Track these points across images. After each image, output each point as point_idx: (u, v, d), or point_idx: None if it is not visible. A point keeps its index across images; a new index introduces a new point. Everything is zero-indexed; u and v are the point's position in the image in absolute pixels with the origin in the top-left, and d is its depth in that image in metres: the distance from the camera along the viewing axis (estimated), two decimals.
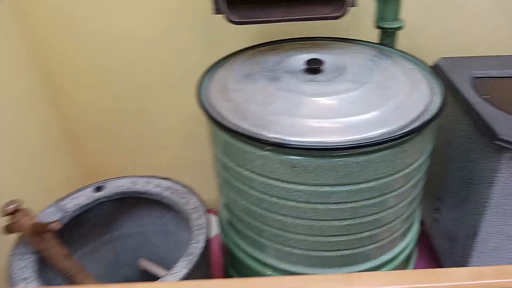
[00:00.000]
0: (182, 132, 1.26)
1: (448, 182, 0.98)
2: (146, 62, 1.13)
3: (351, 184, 0.64)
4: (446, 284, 0.54)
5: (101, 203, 0.98)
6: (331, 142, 0.62)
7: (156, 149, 1.30)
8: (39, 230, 0.78)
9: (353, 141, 0.61)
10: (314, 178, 0.64)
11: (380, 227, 0.72)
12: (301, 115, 0.66)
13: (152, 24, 1.08)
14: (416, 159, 0.70)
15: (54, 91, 1.18)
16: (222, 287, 0.55)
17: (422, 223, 1.15)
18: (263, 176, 0.67)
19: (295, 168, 0.64)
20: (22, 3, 1.02)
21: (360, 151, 0.62)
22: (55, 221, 0.77)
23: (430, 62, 0.98)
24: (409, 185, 0.71)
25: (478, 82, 0.89)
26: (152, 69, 1.15)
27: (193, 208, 0.91)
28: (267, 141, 0.63)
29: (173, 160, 1.31)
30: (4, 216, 0.77)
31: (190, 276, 0.76)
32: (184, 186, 0.97)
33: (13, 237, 0.83)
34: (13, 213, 0.78)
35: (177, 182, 0.98)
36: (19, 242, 0.84)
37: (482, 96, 0.84)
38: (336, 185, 0.64)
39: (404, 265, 0.86)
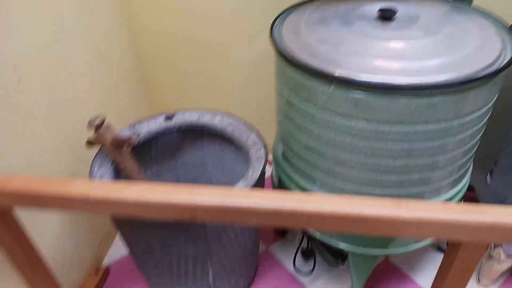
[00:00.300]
0: (248, 73, 1.33)
1: (506, 145, 0.97)
2: (219, 4, 1.20)
3: (410, 123, 0.68)
4: (493, 218, 0.57)
5: (170, 131, 1.08)
6: (396, 82, 0.65)
7: (222, 87, 1.38)
8: (119, 143, 0.89)
9: (418, 83, 0.64)
10: (375, 115, 0.68)
11: (431, 170, 0.75)
12: (370, 55, 0.69)
13: None
14: (477, 108, 0.72)
15: (133, 30, 1.28)
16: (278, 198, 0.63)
17: (471, 189, 1.16)
18: (326, 110, 0.72)
19: (358, 105, 0.68)
20: None
21: (423, 93, 0.65)
22: (134, 136, 0.87)
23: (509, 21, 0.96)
24: (466, 134, 0.73)
25: None
26: (225, 12, 1.21)
27: (252, 143, 0.98)
28: (335, 76, 0.67)
29: (237, 98, 1.40)
30: (90, 128, 0.89)
31: None
32: (245, 122, 1.04)
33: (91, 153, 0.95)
34: (98, 126, 0.89)
35: (239, 119, 1.05)
36: (99, 154, 0.96)
37: None
38: (396, 124, 0.68)
39: None
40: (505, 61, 0.68)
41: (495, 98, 0.77)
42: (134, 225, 0.86)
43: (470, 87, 0.67)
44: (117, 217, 0.88)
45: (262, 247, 1.26)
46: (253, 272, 1.16)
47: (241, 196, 0.63)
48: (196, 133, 1.10)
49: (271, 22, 0.86)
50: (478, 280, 1.13)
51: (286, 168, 0.93)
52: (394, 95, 0.66)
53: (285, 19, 0.88)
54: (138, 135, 0.87)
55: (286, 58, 0.75)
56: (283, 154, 0.94)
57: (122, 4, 1.23)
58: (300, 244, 1.18)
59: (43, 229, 0.95)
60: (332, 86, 0.69)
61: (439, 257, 1.21)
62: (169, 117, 1.08)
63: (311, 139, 0.79)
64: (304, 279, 1.16)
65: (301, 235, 1.11)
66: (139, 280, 1.17)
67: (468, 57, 0.69)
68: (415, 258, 1.21)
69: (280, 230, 1.27)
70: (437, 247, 1.22)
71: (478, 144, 0.84)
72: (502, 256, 1.01)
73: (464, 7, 0.87)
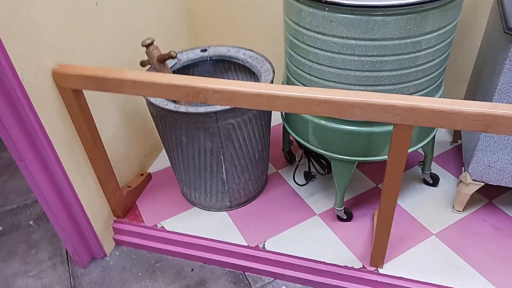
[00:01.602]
0: (265, 18, 1.59)
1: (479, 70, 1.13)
2: None
3: (371, 40, 0.88)
4: (415, 103, 0.77)
5: (204, 60, 1.35)
6: (362, 4, 0.85)
7: (244, 27, 1.65)
8: (163, 58, 1.17)
9: (379, 4, 0.84)
10: (344, 31, 0.89)
11: (397, 84, 0.95)
12: None
13: None
14: (431, 30, 0.90)
15: None
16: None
17: None
18: (311, 31, 0.94)
19: (333, 23, 0.89)
20: None
21: (383, 12, 0.85)
22: (172, 52, 1.14)
23: None
24: (425, 52, 0.92)
25: None
26: None
27: (265, 70, 1.22)
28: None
29: (256, 37, 1.66)
30: (143, 46, 1.17)
31: None
32: (262, 55, 1.27)
33: None
34: (148, 45, 1.18)
35: (257, 52, 1.29)
36: (149, 71, 1.24)
37: None
38: (361, 40, 0.89)
39: None
40: None
41: (455, 21, 0.94)
42: (168, 121, 1.14)
43: (426, 8, 0.85)
44: (157, 111, 1.16)
45: (272, 169, 1.51)
46: (262, 183, 1.40)
47: (238, 85, 0.88)
48: (224, 64, 1.36)
49: None
50: (452, 207, 1.29)
51: (289, 76, 1.17)
52: (363, 15, 0.86)
53: None
54: (175, 52, 1.14)
55: None
56: (287, 72, 1.17)
57: None
58: (298, 164, 1.40)
59: (106, 124, 1.25)
60: (318, 9, 0.90)
61: (425, 189, 1.38)
62: (204, 50, 1.35)
63: (300, 57, 1.02)
64: (302, 194, 1.40)
65: (299, 159, 1.34)
66: (173, 183, 1.47)
67: None
68: (403, 188, 1.39)
69: (288, 157, 1.51)
70: (424, 180, 1.39)
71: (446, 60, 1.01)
72: (468, 179, 1.17)
73: None
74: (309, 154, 1.33)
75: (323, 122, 1.10)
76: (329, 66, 0.97)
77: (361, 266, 1.16)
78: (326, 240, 1.25)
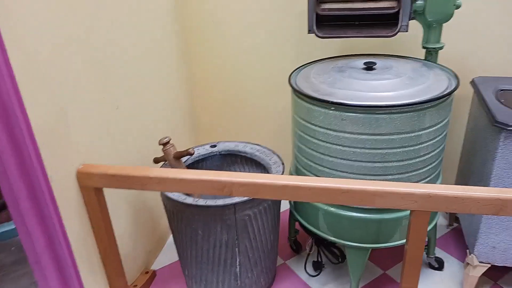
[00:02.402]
0: (273, 114, 1.71)
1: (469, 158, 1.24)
2: (254, 63, 1.62)
3: (380, 135, 0.98)
4: (430, 190, 0.85)
5: (213, 155, 1.42)
6: (372, 105, 0.97)
7: (252, 123, 1.76)
8: (180, 155, 1.23)
9: (388, 104, 0.96)
10: (356, 128, 0.99)
11: (404, 173, 1.04)
12: (354, 89, 1.03)
13: (261, 41, 1.55)
14: (434, 124, 1.02)
15: (192, 85, 1.71)
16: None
17: None
18: (323, 128, 1.04)
19: (344, 121, 1.00)
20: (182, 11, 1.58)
21: (389, 110, 0.96)
22: (190, 150, 1.21)
23: (469, 78, 1.29)
24: (430, 142, 1.03)
25: (500, 92, 1.18)
26: (258, 69, 1.62)
27: (273, 163, 1.29)
28: (331, 102, 1.00)
29: (264, 132, 1.77)
30: (160, 144, 1.24)
31: None
32: (269, 149, 1.36)
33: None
34: (166, 143, 1.25)
35: (264, 146, 1.38)
36: (163, 167, 1.30)
37: (499, 100, 1.12)
38: (371, 135, 0.99)
39: None
40: (446, 92, 1.00)
41: (448, 117, 1.07)
42: (185, 215, 1.16)
43: (426, 107, 0.98)
44: (174, 208, 1.18)
45: (280, 261, 1.50)
46: (272, 275, 1.39)
47: (262, 177, 0.94)
48: (233, 158, 1.43)
49: (290, 74, 1.23)
50: None
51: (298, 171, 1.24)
52: (369, 113, 0.97)
53: (299, 72, 1.24)
54: (193, 149, 1.22)
55: (297, 92, 1.10)
56: (295, 166, 1.25)
57: (185, 60, 1.67)
58: (309, 254, 1.41)
59: (117, 221, 1.26)
60: (330, 110, 1.02)
61: (430, 272, 1.40)
62: (213, 145, 1.43)
63: (312, 150, 1.11)
64: (314, 285, 1.38)
65: (310, 248, 1.36)
66: (180, 280, 1.43)
67: (423, 90, 1.01)
68: None
69: (295, 247, 1.52)
70: (429, 265, 1.42)
71: (443, 151, 1.12)
72: (475, 261, 1.21)
73: (430, 63, 1.20)
74: (320, 242, 1.35)
75: (334, 209, 1.15)
76: (341, 158, 1.06)
77: None
78: None
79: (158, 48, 1.46)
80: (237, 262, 1.22)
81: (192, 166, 1.39)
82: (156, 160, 1.32)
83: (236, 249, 1.19)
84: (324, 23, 1.24)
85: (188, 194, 1.23)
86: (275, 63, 1.60)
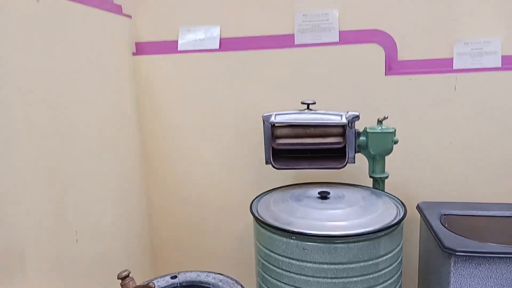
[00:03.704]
0: (232, 241, 1.70)
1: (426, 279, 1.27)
2: (214, 191, 1.67)
3: (340, 264, 1.01)
4: None
5: (175, 287, 1.36)
6: (328, 235, 1.02)
7: (214, 251, 1.73)
8: None
9: (344, 234, 1.02)
10: (317, 257, 1.02)
11: None
12: (312, 218, 1.09)
13: (220, 168, 1.64)
14: (389, 251, 1.07)
15: (151, 214, 1.71)
16: None
17: None
18: (286, 257, 1.07)
19: (305, 250, 1.03)
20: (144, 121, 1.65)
21: (346, 240, 1.01)
22: (151, 282, 1.16)
23: (415, 202, 1.40)
24: (388, 269, 1.06)
25: (444, 217, 1.28)
26: (217, 197, 1.67)
27: None
28: (292, 231, 1.05)
29: (226, 261, 1.73)
30: (119, 279, 1.19)
31: None
32: (232, 278, 1.34)
33: None
34: (124, 277, 1.20)
35: (227, 276, 1.35)
36: None
37: (444, 225, 1.22)
38: (331, 264, 1.02)
39: None
40: (396, 221, 1.08)
41: (401, 244, 1.13)
42: None
43: (379, 236, 1.04)
44: None
45: None
46: None
47: None
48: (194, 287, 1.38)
49: (251, 202, 1.29)
50: None
51: None
52: (327, 242, 1.02)
53: (260, 200, 1.31)
54: (153, 283, 1.17)
55: (259, 221, 1.14)
56: None
57: (144, 189, 1.69)
58: None
59: None
60: (291, 239, 1.05)
61: None
62: (173, 277, 1.38)
63: (276, 280, 1.11)
64: None
65: None
66: None
67: (375, 219, 1.09)
68: None
69: None
70: None
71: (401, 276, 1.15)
72: None
73: (378, 192, 1.31)
74: None
75: None
76: None
77: None
78: None
79: (117, 180, 1.49)
80: None
81: None
82: None
83: None
84: (280, 155, 1.35)
85: None
86: (235, 190, 1.66)
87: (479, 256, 1.06)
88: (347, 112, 1.28)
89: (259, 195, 1.35)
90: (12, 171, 0.94)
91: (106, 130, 1.41)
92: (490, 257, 1.05)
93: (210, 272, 1.39)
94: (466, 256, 1.07)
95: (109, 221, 1.40)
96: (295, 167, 1.33)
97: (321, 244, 1.03)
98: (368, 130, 1.30)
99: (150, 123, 1.66)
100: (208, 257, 1.75)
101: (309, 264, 1.04)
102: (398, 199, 1.25)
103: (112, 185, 1.44)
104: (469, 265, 1.07)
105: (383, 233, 1.05)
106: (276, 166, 1.33)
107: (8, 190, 0.92)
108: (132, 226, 1.59)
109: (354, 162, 1.31)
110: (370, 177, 1.36)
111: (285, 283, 1.10)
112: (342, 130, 1.30)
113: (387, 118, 1.31)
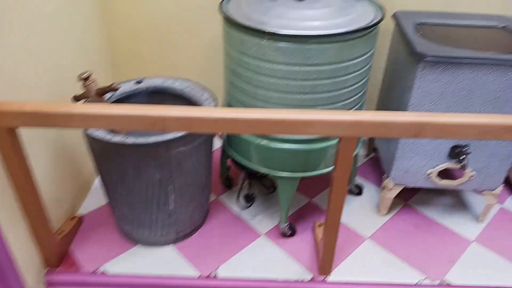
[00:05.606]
0: (201, 46, 1.65)
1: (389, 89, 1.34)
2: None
3: (312, 65, 1.00)
4: (358, 117, 0.89)
5: (139, 93, 1.34)
6: (304, 34, 0.97)
7: (180, 57, 1.67)
8: (103, 91, 1.14)
9: (319, 33, 0.97)
10: (289, 59, 0.99)
11: (332, 103, 1.08)
12: (287, 18, 1.01)
13: None
14: (361, 54, 1.06)
15: (110, 18, 1.55)
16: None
17: None
18: (256, 58, 1.03)
19: (277, 51, 0.99)
20: None
21: (322, 40, 0.97)
22: (115, 83, 1.12)
23: (391, 9, 1.35)
24: (357, 73, 1.07)
25: (418, 26, 1.25)
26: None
27: (205, 99, 1.26)
28: (264, 31, 0.98)
29: (193, 67, 1.70)
30: (79, 80, 1.13)
31: None
32: (199, 84, 1.32)
33: None
34: (86, 79, 1.14)
35: (195, 82, 1.33)
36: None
37: (417, 32, 1.19)
38: (302, 65, 1.00)
39: None
40: (372, 23, 1.03)
41: (373, 49, 1.12)
42: (113, 155, 1.10)
43: (354, 37, 1.00)
44: (101, 148, 1.11)
45: (213, 197, 1.52)
46: (205, 210, 1.41)
47: (197, 111, 0.91)
48: (161, 95, 1.36)
49: (220, 1, 1.17)
50: (378, 211, 1.46)
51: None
52: (304, 43, 0.97)
53: (230, 0, 1.19)
54: (118, 84, 1.13)
55: (230, 21, 1.05)
56: (228, 102, 1.23)
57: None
58: (241, 188, 1.46)
59: (36, 164, 1.15)
60: (264, 40, 1.00)
61: (351, 198, 1.54)
62: (139, 82, 1.34)
63: (245, 83, 1.09)
64: (246, 217, 1.44)
65: (242, 182, 1.40)
66: (109, 224, 1.39)
67: (352, 20, 1.04)
68: None
69: (227, 182, 1.55)
70: (350, 191, 1.55)
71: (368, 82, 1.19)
72: (391, 184, 1.35)
73: None
74: (252, 176, 1.39)
75: (266, 142, 1.18)
76: (274, 91, 1.06)
77: (312, 277, 1.23)
78: (275, 258, 1.30)
79: None
80: (171, 199, 1.21)
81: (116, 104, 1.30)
82: (76, 98, 1.20)
83: (171, 186, 1.18)
84: None
85: (114, 132, 1.16)
86: None
87: (446, 62, 1.07)
88: None
89: None
90: None
91: None
92: (458, 62, 1.07)
93: (176, 78, 1.36)
94: (434, 61, 1.08)
95: (63, 22, 1.26)
96: None
97: (294, 45, 0.98)
98: None
99: None
100: (174, 63, 1.69)
101: (280, 66, 1.02)
102: (377, 3, 1.18)
103: None
104: (435, 70, 1.09)
105: (358, 34, 1.01)
106: None
107: None
108: (90, 26, 1.45)
109: None
110: None
111: (254, 85, 1.09)
112: None
113: None
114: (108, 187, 1.22)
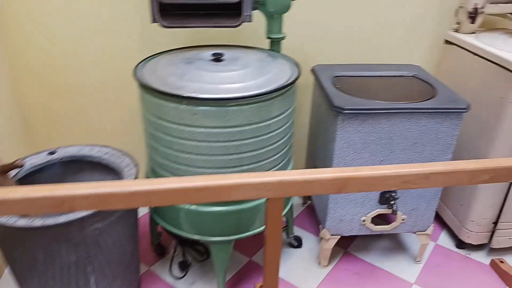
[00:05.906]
0: (120, 111, 1.57)
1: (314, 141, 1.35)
2: (91, 59, 1.44)
3: (233, 127, 0.97)
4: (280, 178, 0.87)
5: (53, 164, 1.22)
6: (222, 97, 0.95)
7: (98, 124, 1.58)
8: (6, 168, 1.02)
9: (237, 96, 0.95)
10: (209, 122, 0.96)
11: (258, 162, 1.05)
12: (204, 82, 0.99)
13: (98, 31, 1.40)
14: (281, 112, 1.05)
15: (19, 82, 1.44)
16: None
17: None
18: (175, 123, 0.98)
19: (196, 115, 0.95)
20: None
21: (241, 102, 0.95)
22: (19, 160, 1.01)
23: (310, 65, 1.38)
24: (280, 130, 1.06)
25: (335, 79, 1.29)
26: (96, 66, 1.46)
27: (126, 165, 1.18)
28: (182, 96, 0.95)
29: (113, 133, 1.61)
30: None
31: None
32: (119, 150, 1.24)
33: None
34: None
35: (114, 148, 1.25)
36: None
37: (335, 85, 1.23)
38: (222, 127, 0.97)
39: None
40: (289, 82, 1.04)
41: (293, 106, 1.12)
42: (19, 240, 0.97)
43: (272, 97, 1.00)
44: (4, 233, 0.98)
45: (144, 268, 1.40)
46: (136, 284, 1.28)
47: (108, 186, 0.83)
48: (78, 165, 1.26)
49: (135, 66, 1.13)
50: (319, 263, 1.43)
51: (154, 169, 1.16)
52: (219, 105, 0.95)
53: (145, 64, 1.15)
54: (23, 160, 1.02)
55: (144, 87, 1.00)
56: (151, 167, 1.16)
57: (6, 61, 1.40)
58: (173, 256, 1.36)
59: None
60: (182, 104, 0.96)
61: (291, 251, 1.49)
62: (51, 153, 1.23)
63: (166, 148, 1.04)
64: (182, 287, 1.33)
65: (174, 250, 1.31)
66: None
67: (269, 79, 1.04)
68: None
69: (159, 250, 1.44)
70: (290, 244, 1.51)
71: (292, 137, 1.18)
72: (327, 234, 1.33)
73: (274, 53, 1.24)
74: (184, 242, 1.30)
75: (194, 207, 1.11)
76: (197, 154, 1.01)
77: None
78: None
79: None
80: (92, 281, 1.08)
81: (25, 179, 1.17)
82: None
83: (90, 267, 1.06)
84: (169, 12, 1.16)
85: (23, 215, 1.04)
86: (118, 55, 1.45)
87: (364, 113, 1.10)
88: None
89: (145, 59, 1.19)
90: None
91: None
92: (374, 113, 1.10)
93: (94, 145, 1.27)
94: (352, 114, 1.10)
95: None
96: (186, 25, 1.17)
97: (213, 108, 0.95)
98: None
99: None
100: (92, 132, 1.59)
101: (200, 129, 0.98)
102: (294, 60, 1.20)
103: None
104: (354, 122, 1.11)
105: (275, 94, 1.01)
106: (164, 24, 1.15)
107: None
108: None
109: (251, 21, 1.19)
110: (268, 38, 1.27)
111: (176, 150, 1.04)
112: None
113: None
114: (18, 276, 1.06)
